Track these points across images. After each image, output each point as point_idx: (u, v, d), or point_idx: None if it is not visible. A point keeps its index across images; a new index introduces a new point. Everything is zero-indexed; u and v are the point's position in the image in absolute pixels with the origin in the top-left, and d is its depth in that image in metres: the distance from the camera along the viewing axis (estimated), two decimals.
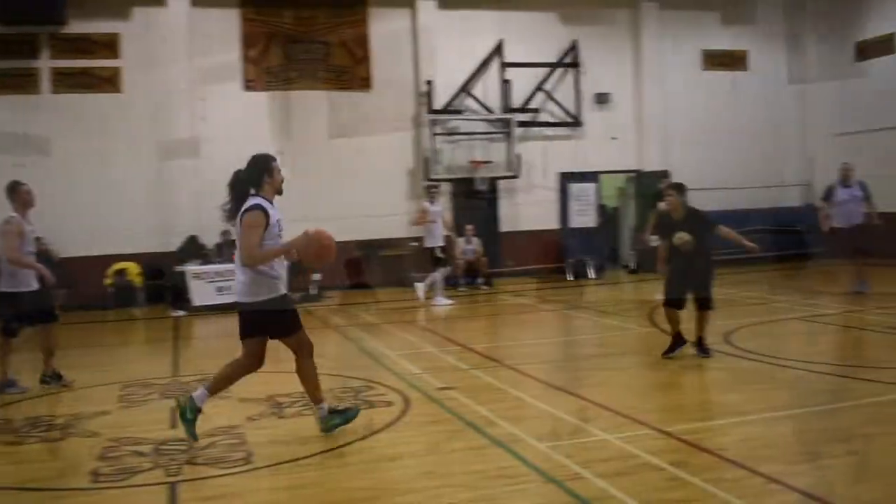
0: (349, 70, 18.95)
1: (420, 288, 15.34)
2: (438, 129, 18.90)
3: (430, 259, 15.34)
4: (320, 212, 18.25)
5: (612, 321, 12.85)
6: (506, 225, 19.85)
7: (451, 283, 15.98)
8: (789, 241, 19.69)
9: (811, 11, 22.26)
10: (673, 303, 9.11)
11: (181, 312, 15.33)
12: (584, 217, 20.20)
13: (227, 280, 15.75)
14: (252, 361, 6.52)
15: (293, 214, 17.71)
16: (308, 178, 18.36)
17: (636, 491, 5.10)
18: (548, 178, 20.14)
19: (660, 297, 14.29)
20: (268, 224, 6.26)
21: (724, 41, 21.95)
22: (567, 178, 20.25)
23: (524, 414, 7.13)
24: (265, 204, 6.35)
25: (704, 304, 9.04)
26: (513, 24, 19.93)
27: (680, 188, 9.11)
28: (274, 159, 6.63)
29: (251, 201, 6.37)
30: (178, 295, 15.85)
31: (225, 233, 16.80)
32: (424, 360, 9.79)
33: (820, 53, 22.27)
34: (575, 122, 20.33)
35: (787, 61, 22.52)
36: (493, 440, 6.32)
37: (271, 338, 6.52)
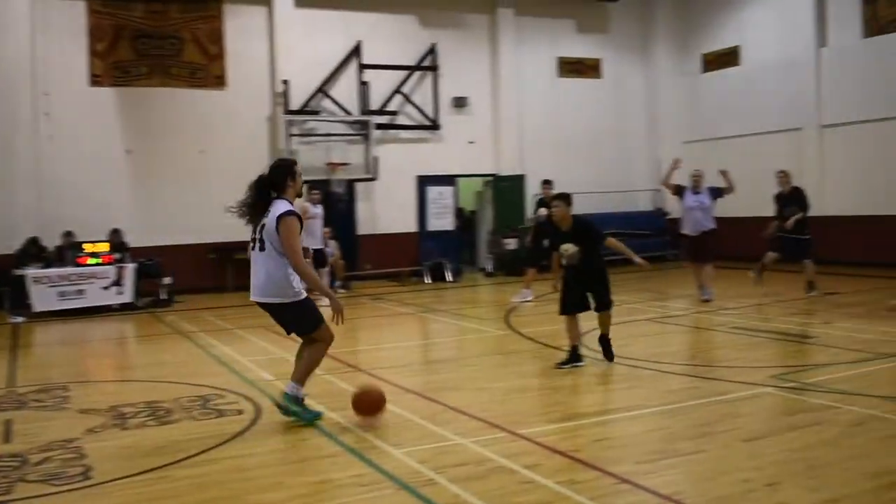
0: (203, 67, 18.42)
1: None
2: (295, 130, 18.60)
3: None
4: (172, 213, 17.75)
5: (469, 324, 12.89)
6: (363, 227, 19.72)
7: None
8: (641, 244, 20.26)
9: (661, 23, 23.08)
10: (570, 312, 8.99)
11: (20, 318, 14.50)
12: (441, 220, 20.32)
13: (72, 284, 15.07)
14: (326, 342, 6.90)
15: (147, 216, 17.33)
16: (159, 178, 17.79)
17: (489, 496, 5.06)
18: (406, 181, 20.12)
19: (517, 300, 14.56)
20: (301, 228, 6.59)
21: (578, 49, 22.49)
22: (425, 181, 20.29)
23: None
24: (295, 208, 6.66)
25: (603, 307, 9.00)
26: (371, 25, 19.85)
27: (567, 199, 9.00)
28: (296, 163, 6.89)
29: (282, 206, 6.60)
30: (17, 300, 14.99)
31: (67, 234, 16.03)
32: (278, 366, 9.54)
33: (669, 63, 23.12)
34: (433, 125, 20.39)
35: (639, 70, 23.28)
36: (347, 447, 6.18)
37: (298, 335, 6.91)
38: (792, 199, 13.96)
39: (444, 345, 11.81)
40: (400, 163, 19.84)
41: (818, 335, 10.60)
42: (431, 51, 20.39)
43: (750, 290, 14.40)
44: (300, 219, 6.59)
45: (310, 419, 6.78)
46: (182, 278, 16.78)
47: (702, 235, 13.74)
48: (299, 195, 6.88)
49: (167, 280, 16.24)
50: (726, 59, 22.00)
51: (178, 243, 17.60)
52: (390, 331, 12.91)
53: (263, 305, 6.76)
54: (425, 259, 19.57)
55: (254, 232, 6.70)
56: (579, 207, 17.94)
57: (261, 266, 6.66)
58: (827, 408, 6.94)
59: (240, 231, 18.94)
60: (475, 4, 21.11)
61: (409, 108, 20.27)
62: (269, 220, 6.54)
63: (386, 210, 19.87)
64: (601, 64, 22.81)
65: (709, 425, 6.53)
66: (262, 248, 6.63)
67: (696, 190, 13.86)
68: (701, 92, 22.60)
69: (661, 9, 23.03)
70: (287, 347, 10.82)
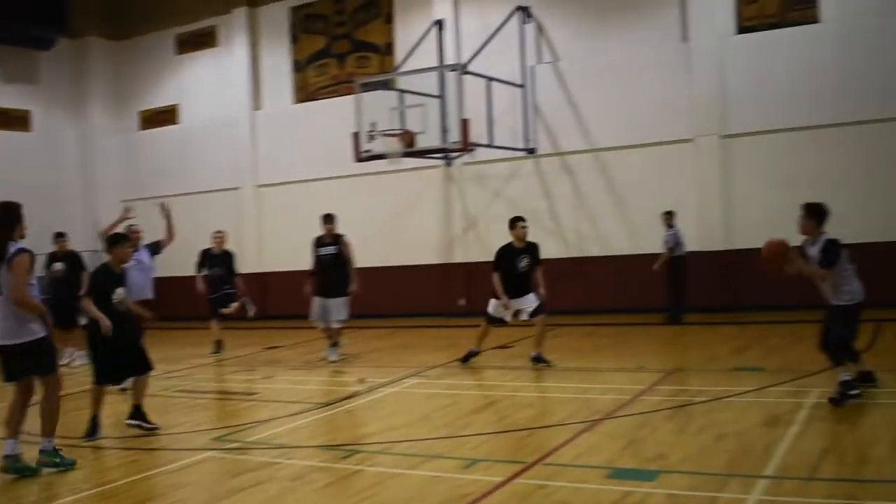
0: None
1: None
2: None
3: None
4: None
5: None
6: None
7: None
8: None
9: (96, 77, 22.49)
10: (104, 383, 8.17)
11: None
12: None
13: None
14: (29, 395, 6.98)
15: None
16: None
17: None
18: None
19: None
20: (32, 267, 6.62)
21: (4, 99, 20.96)
22: None
23: None
24: (28, 248, 6.66)
25: (144, 369, 8.28)
26: None
27: (120, 238, 8.53)
28: (19, 206, 6.91)
29: (16, 245, 6.66)
30: None
31: None
32: None
33: (105, 119, 22.57)
34: None
35: (74, 125, 22.35)
36: None
37: (36, 375, 6.88)
38: (219, 259, 14.30)
39: None
40: None
41: (260, 391, 10.82)
42: None
43: (194, 351, 14.33)
44: (32, 255, 6.61)
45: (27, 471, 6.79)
46: None
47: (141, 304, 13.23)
48: (22, 237, 6.84)
49: None
50: (165, 117, 22.01)
51: None
52: None
53: (2, 349, 6.72)
54: None
55: None
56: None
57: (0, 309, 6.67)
58: (269, 465, 6.98)
59: None
60: None
61: None
62: (5, 264, 6.59)
63: None
64: (31, 116, 21.43)
65: (151, 501, 6.22)
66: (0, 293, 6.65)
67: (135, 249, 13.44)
68: (139, 150, 22.28)
69: (96, 62, 22.36)
70: None
